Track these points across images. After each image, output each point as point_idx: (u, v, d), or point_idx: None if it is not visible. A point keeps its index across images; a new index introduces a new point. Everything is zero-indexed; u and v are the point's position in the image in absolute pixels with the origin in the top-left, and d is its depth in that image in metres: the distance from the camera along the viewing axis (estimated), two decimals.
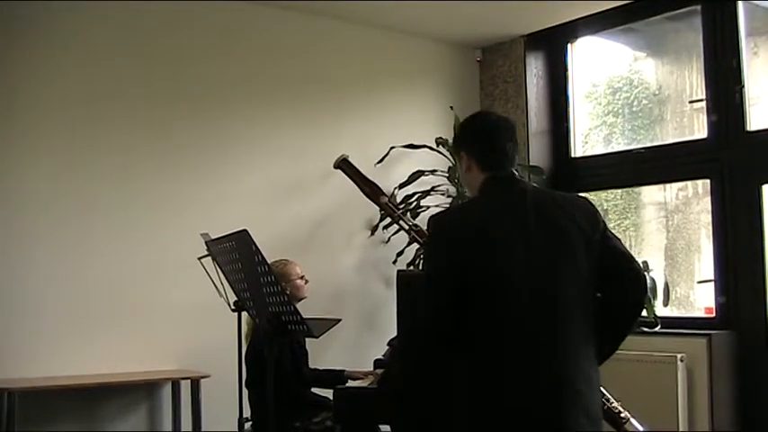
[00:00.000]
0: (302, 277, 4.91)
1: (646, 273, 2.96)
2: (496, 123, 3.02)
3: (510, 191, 2.86)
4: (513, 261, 2.69)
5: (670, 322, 5.85)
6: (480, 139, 2.96)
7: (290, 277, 4.85)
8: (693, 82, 6.19)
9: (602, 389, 2.96)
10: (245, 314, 4.16)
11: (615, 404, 3.24)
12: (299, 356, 4.85)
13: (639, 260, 5.99)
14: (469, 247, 2.71)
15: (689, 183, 6.22)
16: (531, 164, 6.57)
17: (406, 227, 3.98)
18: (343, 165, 4.14)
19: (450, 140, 6.42)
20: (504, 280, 2.69)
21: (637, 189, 6.59)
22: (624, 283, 2.87)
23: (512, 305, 2.68)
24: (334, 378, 4.80)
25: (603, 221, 2.90)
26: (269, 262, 4.52)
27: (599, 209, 2.93)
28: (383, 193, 4.01)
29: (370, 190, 4.07)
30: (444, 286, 2.70)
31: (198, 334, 5.54)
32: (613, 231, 2.94)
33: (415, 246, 6.20)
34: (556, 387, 2.64)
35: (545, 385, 2.64)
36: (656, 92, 6.52)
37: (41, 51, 5.27)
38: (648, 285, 5.85)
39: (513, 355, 2.66)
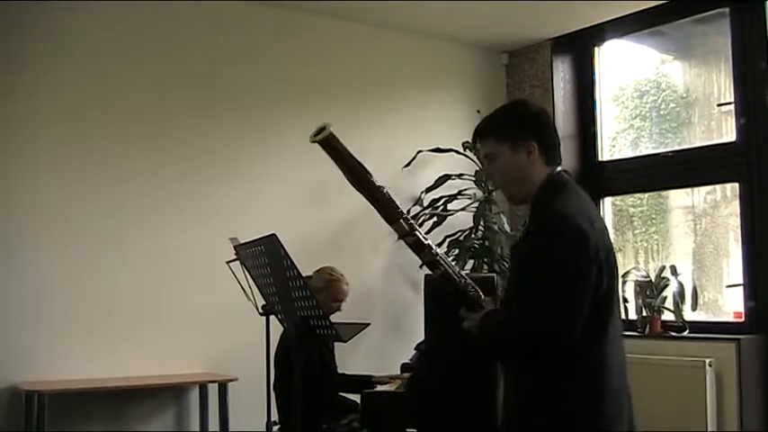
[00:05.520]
0: (340, 301, 4.77)
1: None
2: (551, 116, 2.95)
3: (583, 193, 2.77)
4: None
5: (698, 327, 5.82)
6: (550, 131, 2.82)
7: (336, 296, 4.76)
8: (722, 85, 6.15)
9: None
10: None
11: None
12: (329, 359, 4.85)
13: (667, 264, 6.01)
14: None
15: (717, 186, 6.18)
16: None
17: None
18: (327, 141, 2.69)
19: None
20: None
21: (664, 193, 6.55)
22: None
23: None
24: (361, 384, 4.80)
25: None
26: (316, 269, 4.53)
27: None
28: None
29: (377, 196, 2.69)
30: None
31: (226, 337, 5.57)
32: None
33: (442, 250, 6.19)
34: None
35: None
36: (684, 95, 6.48)
37: (66, 51, 5.33)
38: (676, 290, 5.85)
39: None
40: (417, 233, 2.67)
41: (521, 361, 2.64)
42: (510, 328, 2.60)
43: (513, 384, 2.71)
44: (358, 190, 2.65)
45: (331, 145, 2.65)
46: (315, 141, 2.64)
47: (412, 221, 2.69)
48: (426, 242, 2.69)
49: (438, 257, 2.71)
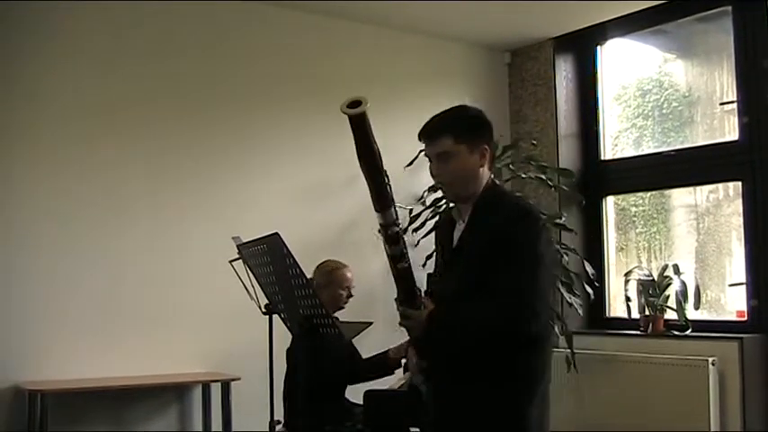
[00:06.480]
0: (347, 287, 4.75)
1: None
2: None
3: None
4: None
5: (701, 326, 5.82)
6: (493, 138, 2.99)
7: (342, 284, 4.73)
8: (724, 83, 6.15)
9: None
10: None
11: None
12: (336, 359, 4.80)
13: (670, 263, 6.01)
14: None
15: (720, 185, 6.17)
16: (560, 167, 6.54)
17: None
18: (359, 119, 2.66)
19: None
20: None
21: (667, 192, 6.55)
22: None
23: None
24: (381, 365, 4.72)
25: None
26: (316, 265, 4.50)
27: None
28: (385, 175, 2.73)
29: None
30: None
31: (229, 337, 5.57)
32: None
33: None
34: None
35: None
36: (687, 94, 6.47)
37: (66, 51, 5.32)
38: (679, 289, 5.85)
39: None
40: (399, 225, 2.78)
41: (479, 355, 2.75)
42: (490, 317, 2.70)
43: (462, 382, 2.83)
44: (363, 170, 2.68)
45: (361, 121, 2.63)
46: (347, 114, 2.61)
47: (397, 213, 2.79)
48: (402, 236, 2.82)
49: (407, 252, 2.86)
